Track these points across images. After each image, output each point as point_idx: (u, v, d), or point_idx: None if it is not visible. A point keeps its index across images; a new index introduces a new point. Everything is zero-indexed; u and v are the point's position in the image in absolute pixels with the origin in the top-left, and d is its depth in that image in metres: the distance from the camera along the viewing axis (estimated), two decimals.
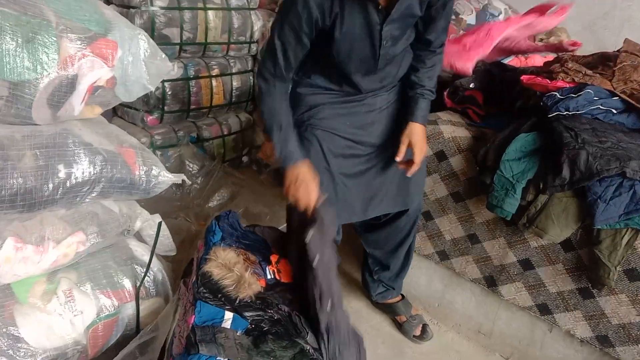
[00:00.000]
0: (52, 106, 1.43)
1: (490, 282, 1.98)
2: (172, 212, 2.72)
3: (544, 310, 1.86)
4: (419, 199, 1.96)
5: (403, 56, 1.76)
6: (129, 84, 1.59)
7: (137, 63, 1.58)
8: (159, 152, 2.96)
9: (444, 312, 2.19)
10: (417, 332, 2.10)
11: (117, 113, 3.09)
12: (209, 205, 2.82)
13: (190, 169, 2.97)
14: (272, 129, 1.66)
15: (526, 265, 1.87)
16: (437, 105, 2.11)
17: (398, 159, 1.74)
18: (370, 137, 1.81)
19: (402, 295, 2.19)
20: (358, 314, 2.21)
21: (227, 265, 1.53)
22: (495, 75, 2.27)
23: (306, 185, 1.61)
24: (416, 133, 1.74)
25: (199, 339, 1.34)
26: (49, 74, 1.36)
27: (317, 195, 1.61)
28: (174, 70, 1.66)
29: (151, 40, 1.61)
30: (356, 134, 1.79)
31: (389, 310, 2.19)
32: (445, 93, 2.26)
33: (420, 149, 1.74)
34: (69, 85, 1.43)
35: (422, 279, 2.23)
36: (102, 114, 2.37)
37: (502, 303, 1.99)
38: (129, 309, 1.65)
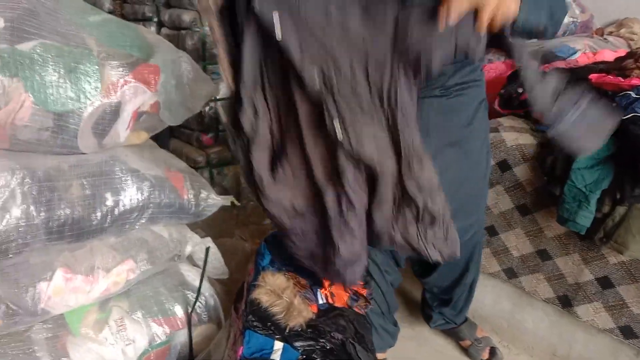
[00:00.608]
0: (97, 134, 1.43)
1: (565, 302, 1.81)
2: (229, 230, 2.71)
3: (628, 333, 1.68)
4: (477, 227, 1.75)
5: None
6: (173, 107, 1.57)
7: (181, 86, 1.56)
8: (215, 171, 2.97)
9: (514, 333, 2.03)
10: (485, 356, 1.94)
11: (174, 133, 3.13)
12: (265, 222, 2.79)
13: (246, 186, 2.95)
14: None
15: (605, 283, 1.69)
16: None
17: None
18: None
19: (465, 317, 2.04)
20: (420, 336, 2.09)
21: (276, 291, 1.47)
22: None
23: None
24: None
25: None
26: (92, 102, 1.36)
27: None
28: (217, 91, 1.62)
29: (194, 62, 1.59)
30: None
31: (452, 334, 2.05)
32: (495, 103, 2.10)
33: None
34: (112, 113, 1.42)
35: (487, 298, 2.08)
36: (161, 134, 2.39)
37: (579, 325, 1.82)
38: (181, 337, 1.62)
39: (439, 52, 1.11)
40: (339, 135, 1.18)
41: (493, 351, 1.95)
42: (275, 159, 1.33)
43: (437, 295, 1.93)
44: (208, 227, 2.68)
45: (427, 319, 2.04)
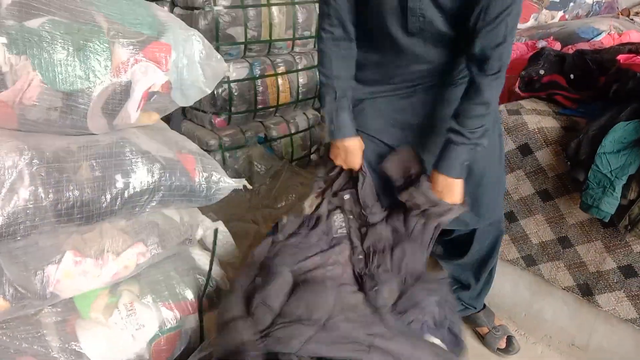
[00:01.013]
0: (107, 115, 1.39)
1: (586, 291, 1.76)
2: (241, 214, 2.68)
3: None
4: (498, 214, 1.73)
5: (450, 43, 1.40)
6: (184, 87, 1.53)
7: (193, 65, 1.51)
8: (227, 154, 2.93)
9: (532, 322, 1.99)
10: (502, 345, 1.90)
11: (187, 116, 3.09)
12: (278, 206, 2.75)
13: (259, 170, 2.92)
14: (324, 96, 1.50)
15: (628, 272, 1.64)
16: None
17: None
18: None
19: (483, 304, 2.00)
20: None
21: None
22: (582, 59, 2.02)
23: (354, 156, 1.48)
24: (434, 183, 1.46)
25: None
26: (102, 82, 1.32)
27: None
28: (229, 71, 1.57)
29: (206, 41, 1.54)
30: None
31: (469, 321, 2.00)
32: (516, 86, 2.03)
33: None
34: (123, 93, 1.38)
35: (506, 286, 2.03)
36: (173, 116, 2.33)
37: (600, 314, 1.76)
38: (192, 322, 1.59)
39: None
40: None
41: (510, 340, 1.91)
42: None
43: (459, 279, 1.88)
44: (220, 210, 2.65)
45: None
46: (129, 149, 1.45)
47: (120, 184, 1.40)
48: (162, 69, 1.44)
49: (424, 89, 1.50)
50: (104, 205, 1.38)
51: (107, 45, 1.33)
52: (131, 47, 1.37)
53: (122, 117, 1.42)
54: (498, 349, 1.91)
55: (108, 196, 1.38)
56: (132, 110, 1.43)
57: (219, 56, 1.56)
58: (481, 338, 1.96)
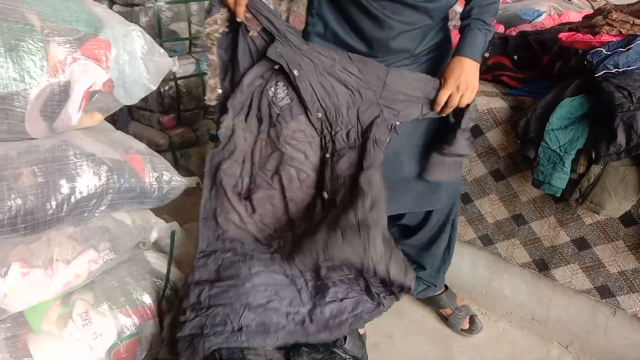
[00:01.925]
0: (46, 117, 1.32)
1: (542, 266, 1.80)
2: (197, 214, 2.61)
3: (605, 292, 1.68)
4: (453, 193, 1.76)
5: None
6: (128, 85, 1.47)
7: (135, 61, 1.46)
8: (178, 153, 2.86)
9: (493, 300, 2.02)
10: (465, 325, 1.93)
11: (134, 117, 3.00)
12: None
13: None
14: None
15: (581, 244, 1.68)
16: None
17: (437, 108, 1.52)
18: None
19: (445, 286, 2.02)
20: (399, 308, 2.05)
21: None
22: (525, 40, 2.06)
23: None
24: (453, 68, 1.48)
25: (225, 358, 1.22)
26: (38, 83, 1.25)
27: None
28: (175, 65, 1.52)
29: (147, 35, 1.48)
30: None
31: (432, 304, 2.02)
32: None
33: (450, 86, 1.48)
34: (62, 93, 1.32)
35: (465, 266, 2.06)
36: (119, 117, 2.25)
37: (557, 287, 1.81)
38: (152, 327, 1.54)
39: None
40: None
41: (472, 320, 1.93)
42: None
43: (414, 258, 1.87)
44: (176, 212, 2.58)
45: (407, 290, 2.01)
46: (72, 152, 1.38)
47: (65, 189, 1.34)
48: (103, 66, 1.38)
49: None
50: (49, 212, 1.32)
51: (41, 44, 1.26)
52: (68, 45, 1.31)
53: (62, 120, 1.35)
54: (462, 329, 1.93)
55: (53, 203, 1.32)
56: (73, 111, 1.36)
57: (162, 50, 1.51)
58: (445, 319, 1.98)
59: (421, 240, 1.82)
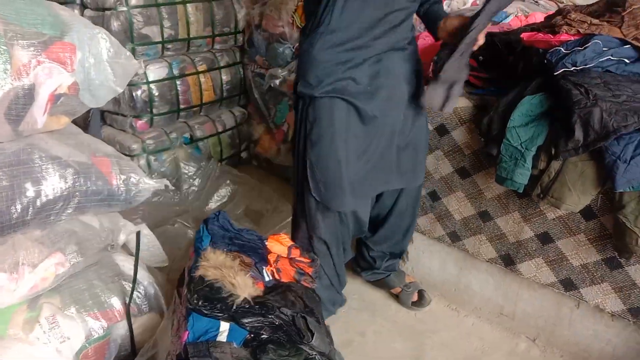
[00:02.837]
0: (11, 121, 1.32)
1: (508, 261, 1.84)
2: (171, 218, 2.61)
3: (568, 285, 1.72)
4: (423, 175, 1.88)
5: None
6: (93, 88, 1.47)
7: (100, 64, 1.46)
8: (152, 157, 2.85)
9: (462, 296, 2.06)
10: (415, 298, 2.04)
11: (106, 121, 2.98)
12: (209, 207, 2.71)
13: (186, 172, 2.85)
14: None
15: (545, 239, 1.73)
16: None
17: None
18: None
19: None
20: (372, 305, 2.08)
21: (219, 267, 1.42)
22: (490, 41, 2.10)
23: None
24: (454, 19, 1.66)
25: (192, 355, 1.22)
26: (1, 86, 1.25)
27: None
28: (141, 68, 1.53)
29: (113, 38, 1.49)
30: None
31: (384, 285, 2.12)
32: (430, 71, 2.09)
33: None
34: (26, 96, 1.32)
35: (434, 263, 2.09)
36: (92, 122, 2.24)
37: (523, 282, 1.85)
38: (121, 329, 1.54)
39: None
40: None
41: (421, 294, 2.05)
42: None
43: (388, 252, 1.99)
44: (148, 215, 2.57)
45: (361, 274, 2.15)
46: (37, 155, 1.38)
47: (30, 193, 1.34)
48: (68, 69, 1.38)
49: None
50: (14, 215, 1.31)
51: (4, 47, 1.26)
52: (32, 49, 1.31)
53: (28, 123, 1.35)
54: (412, 303, 2.04)
55: (18, 206, 1.32)
56: (38, 114, 1.36)
57: (128, 53, 1.51)
58: (396, 297, 2.08)
59: (400, 230, 1.93)
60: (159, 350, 1.53)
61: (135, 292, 1.57)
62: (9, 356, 1.33)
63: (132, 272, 1.61)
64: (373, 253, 2.00)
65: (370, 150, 1.65)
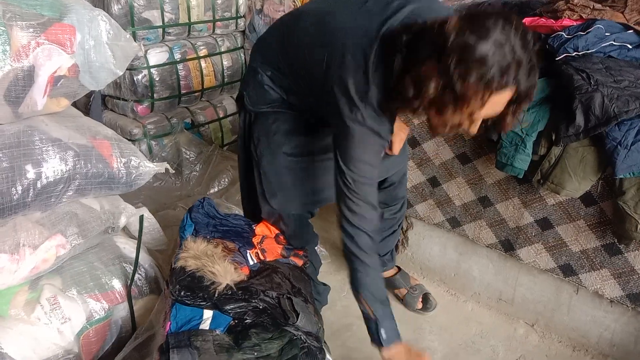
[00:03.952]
0: (10, 102, 1.32)
1: (508, 247, 1.84)
2: (172, 202, 2.62)
3: (567, 271, 1.72)
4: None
5: None
6: (93, 70, 1.47)
7: (100, 47, 1.45)
8: (153, 142, 2.86)
9: (461, 281, 2.07)
10: (419, 305, 1.99)
11: (107, 105, 2.98)
12: (210, 192, 2.71)
13: (188, 157, 2.86)
14: (376, 304, 1.45)
15: (544, 224, 1.73)
16: None
17: None
18: None
19: (397, 267, 2.09)
20: None
21: (200, 256, 1.42)
22: None
23: None
24: None
25: (172, 346, 1.21)
26: (1, 67, 1.25)
27: None
28: (141, 50, 1.53)
29: (113, 20, 1.48)
30: None
31: (388, 285, 2.06)
32: None
33: None
34: (26, 78, 1.31)
35: (434, 249, 2.10)
36: (93, 106, 2.22)
37: (522, 267, 1.85)
38: (122, 311, 1.55)
39: None
40: None
41: (426, 298, 2.00)
42: None
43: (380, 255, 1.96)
44: (150, 200, 2.59)
45: None
46: (38, 137, 1.38)
47: (31, 175, 1.34)
48: (67, 51, 1.38)
49: None
50: (15, 197, 1.32)
51: (3, 28, 1.26)
52: (31, 30, 1.30)
53: (27, 104, 1.35)
54: (417, 309, 1.99)
55: (19, 188, 1.32)
56: (38, 96, 1.36)
57: (127, 35, 1.50)
58: (401, 300, 2.03)
59: (391, 229, 1.92)
60: (156, 331, 1.53)
61: (136, 275, 1.58)
62: (10, 336, 1.34)
63: (132, 255, 1.62)
64: None
65: None
